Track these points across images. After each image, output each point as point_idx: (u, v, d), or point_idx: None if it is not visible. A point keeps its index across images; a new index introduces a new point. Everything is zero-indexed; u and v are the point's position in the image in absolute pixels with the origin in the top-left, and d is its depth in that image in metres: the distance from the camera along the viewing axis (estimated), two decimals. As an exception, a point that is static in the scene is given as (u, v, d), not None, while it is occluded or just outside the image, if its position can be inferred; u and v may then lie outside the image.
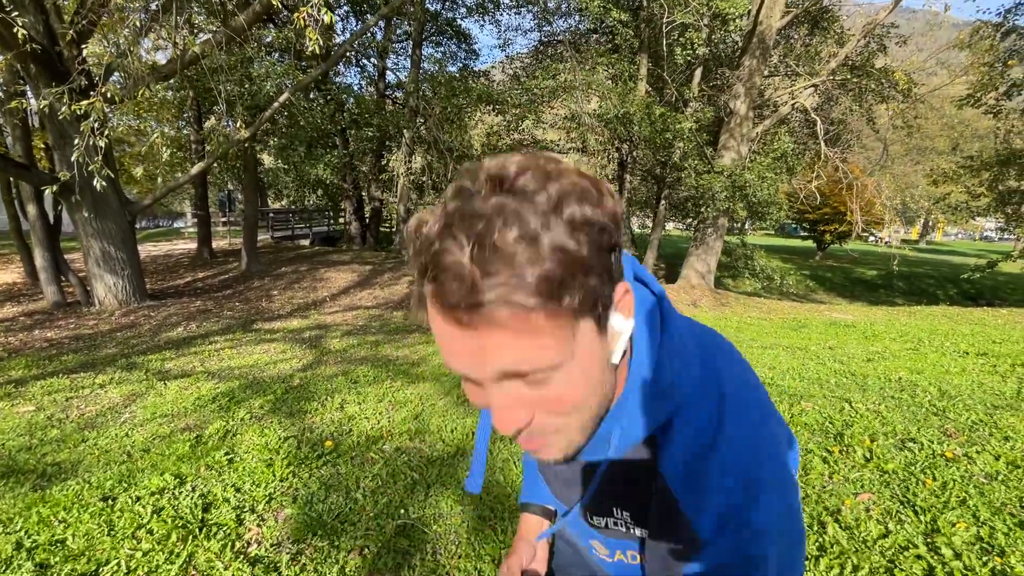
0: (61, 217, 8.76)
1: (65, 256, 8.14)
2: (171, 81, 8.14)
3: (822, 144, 10.66)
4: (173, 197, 24.67)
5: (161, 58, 10.85)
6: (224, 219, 18.79)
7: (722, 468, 0.47)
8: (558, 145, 14.61)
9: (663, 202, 13.89)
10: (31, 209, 7.31)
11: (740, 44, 11.84)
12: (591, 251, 0.38)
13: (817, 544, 1.94)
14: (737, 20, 11.12)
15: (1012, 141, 13.93)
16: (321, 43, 4.11)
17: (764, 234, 42.82)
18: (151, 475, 2.61)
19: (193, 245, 14.77)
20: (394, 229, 16.31)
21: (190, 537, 2.08)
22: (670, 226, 19.94)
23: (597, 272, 0.39)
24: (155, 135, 5.20)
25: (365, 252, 14.68)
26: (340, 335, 6.57)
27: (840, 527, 2.03)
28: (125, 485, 2.52)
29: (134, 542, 2.06)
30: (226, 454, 2.86)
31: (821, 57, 12.36)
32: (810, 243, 27.57)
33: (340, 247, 16.53)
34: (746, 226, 14.77)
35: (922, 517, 2.06)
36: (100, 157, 4.53)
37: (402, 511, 2.28)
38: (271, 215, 17.89)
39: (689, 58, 12.36)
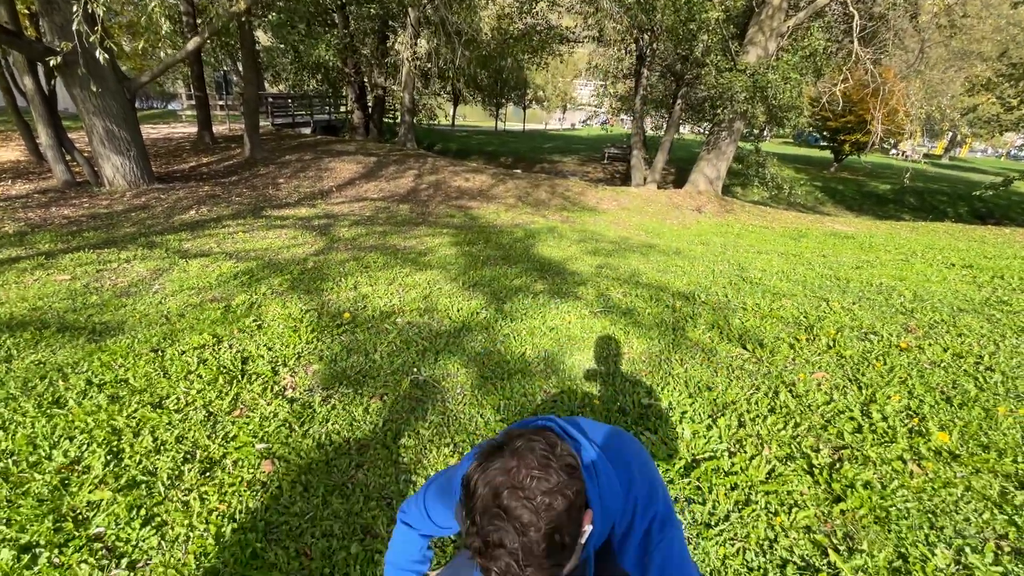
0: (56, 92, 8.50)
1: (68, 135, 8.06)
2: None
3: (856, 42, 9.95)
4: (166, 76, 23.45)
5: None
6: (221, 103, 18.06)
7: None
8: (573, 32, 13.59)
9: (679, 101, 13.27)
10: (27, 82, 7.10)
11: (784, -82, 10.53)
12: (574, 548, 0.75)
13: (769, 407, 2.28)
14: None
15: (1063, 48, 12.92)
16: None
17: (781, 142, 41.13)
18: (190, 334, 2.94)
19: (192, 129, 14.41)
20: (398, 120, 15.76)
21: (234, 381, 2.43)
22: (685, 129, 19.14)
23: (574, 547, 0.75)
24: (152, 4, 4.87)
25: (369, 143, 14.34)
26: (348, 224, 6.74)
27: (791, 395, 2.36)
28: (169, 341, 2.85)
29: (187, 383, 2.41)
30: (254, 321, 3.17)
31: (872, -62, 11.07)
32: (827, 154, 26.62)
33: (343, 136, 16.10)
34: (764, 132, 14.23)
35: (864, 391, 2.39)
36: (99, 27, 4.36)
37: (415, 370, 2.62)
38: (270, 100, 17.17)
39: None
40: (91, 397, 2.26)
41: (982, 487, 1.80)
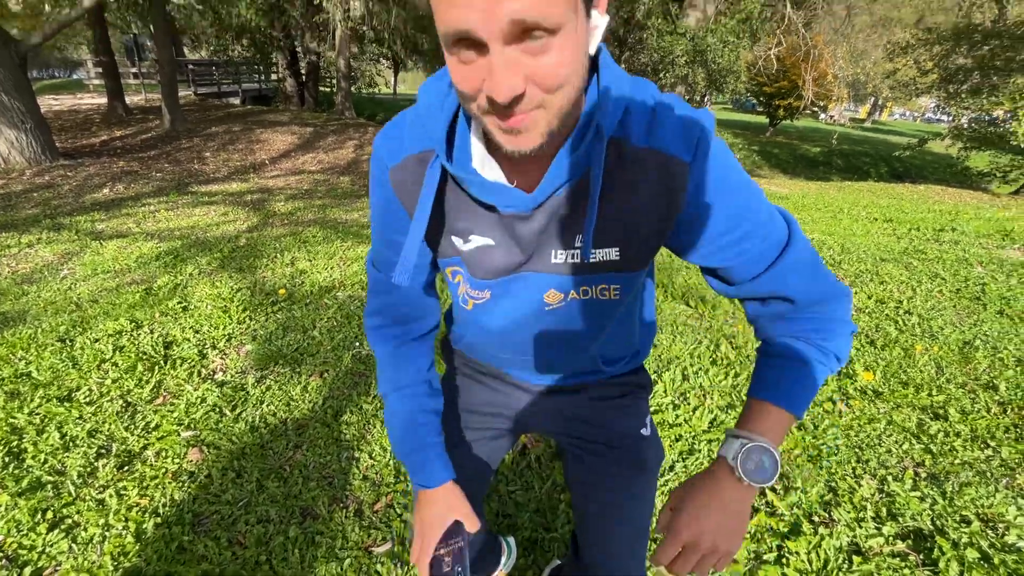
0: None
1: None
2: None
3: (788, 6, 10.21)
4: (67, 41, 21.07)
5: None
6: (135, 71, 16.47)
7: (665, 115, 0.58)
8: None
9: (622, 67, 13.25)
10: None
11: None
12: None
13: (711, 359, 2.34)
14: None
15: (973, 15, 13.78)
16: None
17: (721, 108, 42.27)
18: (105, 320, 2.68)
19: (103, 100, 13.06)
20: (334, 88, 14.89)
21: (156, 367, 2.24)
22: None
23: None
24: None
25: (304, 113, 13.54)
26: (285, 199, 6.37)
27: (731, 347, 2.43)
28: (80, 329, 2.59)
29: (101, 373, 2.20)
30: (179, 303, 2.93)
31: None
32: (764, 119, 27.61)
33: (275, 107, 15.12)
34: (704, 98, 14.52)
35: (798, 339, 2.49)
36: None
37: (357, 344, 2.51)
38: (191, 67, 15.80)
39: None
40: (-14, 395, 2.02)
41: (902, 420, 1.92)
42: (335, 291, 3.17)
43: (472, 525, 0.75)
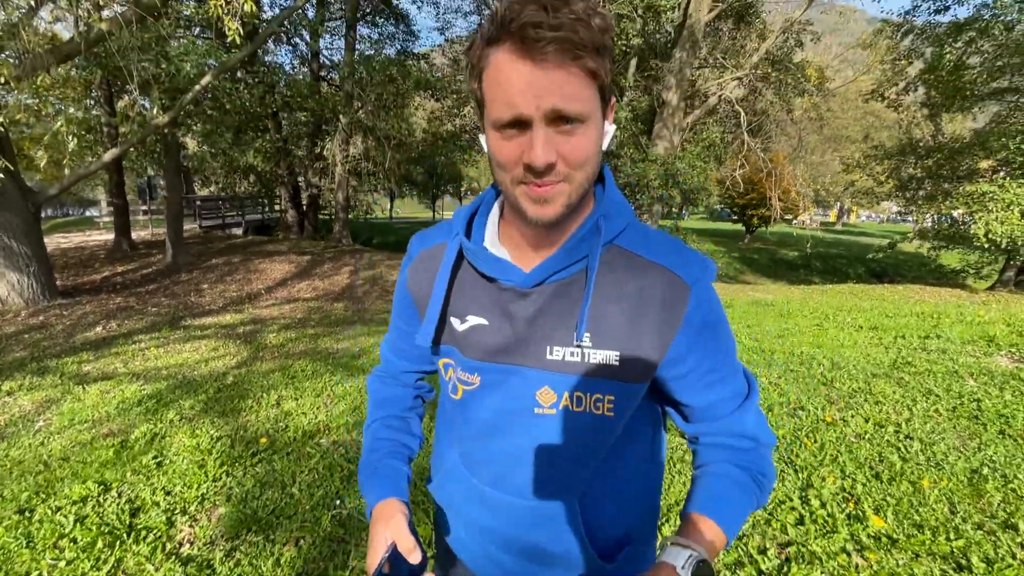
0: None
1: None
2: (76, 60, 7.47)
3: (745, 134, 11.37)
4: (84, 184, 22.62)
5: (62, 30, 9.86)
6: (145, 208, 17.52)
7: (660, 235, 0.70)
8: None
9: (602, 189, 14.29)
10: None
11: (672, 36, 12.30)
12: (610, 48, 0.57)
13: (712, 504, 2.21)
14: (669, 12, 11.53)
15: (912, 132, 15.38)
16: (241, 32, 3.96)
17: (698, 218, 45.00)
18: (72, 483, 2.53)
19: (110, 236, 13.70)
20: (333, 217, 15.82)
21: (118, 543, 2.07)
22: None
23: (610, 69, 0.57)
24: (59, 123, 4.75)
25: (303, 241, 14.20)
26: (277, 329, 6.42)
27: (732, 488, 2.31)
28: (43, 495, 2.44)
29: (56, 552, 2.02)
30: (154, 458, 2.81)
31: (746, 51, 13.07)
32: (739, 226, 29.26)
33: (276, 236, 15.89)
34: (681, 212, 15.53)
35: (800, 475, 2.39)
36: (-4, 147, 4.15)
37: (338, 502, 2.37)
38: (198, 203, 16.85)
39: (624, 48, 12.70)
40: (-77, 588, 1.83)
41: (924, 575, 1.77)
42: (319, 437, 3.06)
43: (402, 544, 0.67)
